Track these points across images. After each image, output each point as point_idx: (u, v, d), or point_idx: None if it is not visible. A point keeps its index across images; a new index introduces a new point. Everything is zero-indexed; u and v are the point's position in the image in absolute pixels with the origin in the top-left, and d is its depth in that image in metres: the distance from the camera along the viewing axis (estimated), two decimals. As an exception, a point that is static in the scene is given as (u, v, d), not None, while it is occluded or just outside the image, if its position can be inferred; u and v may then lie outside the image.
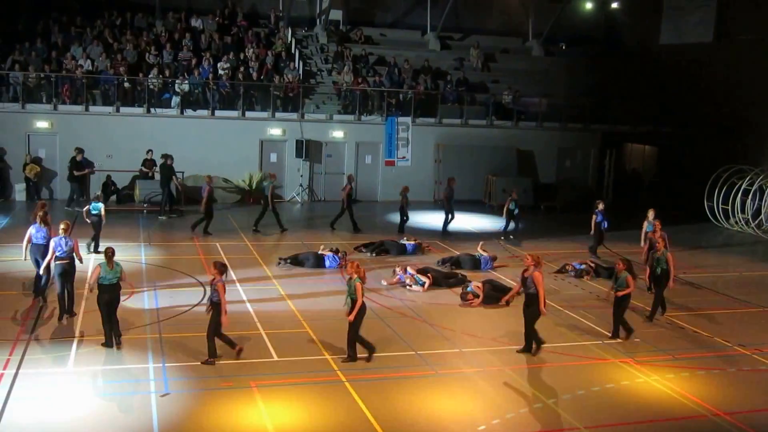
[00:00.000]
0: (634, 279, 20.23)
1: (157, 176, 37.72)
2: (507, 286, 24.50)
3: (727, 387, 18.08)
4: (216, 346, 17.64)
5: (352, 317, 17.69)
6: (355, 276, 17.76)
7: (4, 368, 16.79)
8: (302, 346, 19.07)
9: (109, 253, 18.42)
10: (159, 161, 37.64)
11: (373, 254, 29.45)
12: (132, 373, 17.02)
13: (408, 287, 24.93)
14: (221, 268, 17.61)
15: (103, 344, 18.31)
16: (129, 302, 21.88)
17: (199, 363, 17.50)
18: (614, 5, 51.64)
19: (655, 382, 17.96)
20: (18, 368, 16.80)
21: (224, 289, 17.43)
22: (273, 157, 41.48)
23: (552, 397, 16.84)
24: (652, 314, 22.74)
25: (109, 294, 18.08)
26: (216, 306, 17.39)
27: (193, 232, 31.62)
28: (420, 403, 16.23)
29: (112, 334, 18.26)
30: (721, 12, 46.68)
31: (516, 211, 32.47)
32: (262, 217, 32.83)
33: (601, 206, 29.76)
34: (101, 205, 27.23)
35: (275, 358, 18.27)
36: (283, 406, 15.72)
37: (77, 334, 19.26)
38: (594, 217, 29.67)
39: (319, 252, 27.41)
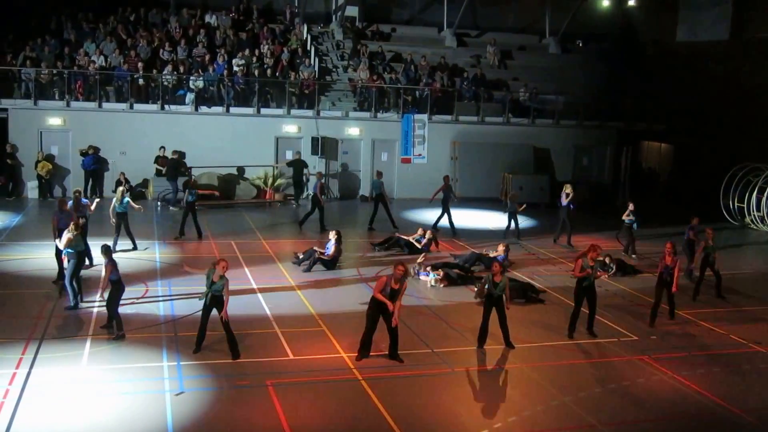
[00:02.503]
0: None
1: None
2: (524, 282, 24.48)
3: (742, 384, 18.09)
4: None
5: (226, 316, 17.49)
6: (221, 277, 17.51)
7: (17, 368, 16.64)
8: (318, 345, 18.94)
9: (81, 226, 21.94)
10: (171, 157, 37.56)
11: (381, 249, 29.34)
12: (146, 372, 16.85)
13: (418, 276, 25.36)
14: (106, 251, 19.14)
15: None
16: (143, 300, 21.82)
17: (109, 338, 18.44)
18: (631, 2, 51.10)
19: (671, 379, 17.93)
20: (31, 367, 16.66)
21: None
22: (288, 155, 41.22)
23: (569, 394, 16.72)
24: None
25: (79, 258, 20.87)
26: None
27: (301, 229, 32.23)
28: (436, 401, 16.14)
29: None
30: (737, 9, 46.30)
31: (634, 226, 30.28)
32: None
33: (695, 221, 27.36)
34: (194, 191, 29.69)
35: (291, 356, 18.12)
36: (299, 404, 15.57)
37: (90, 332, 19.07)
38: (691, 232, 27.32)
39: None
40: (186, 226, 29.74)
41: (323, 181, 33.18)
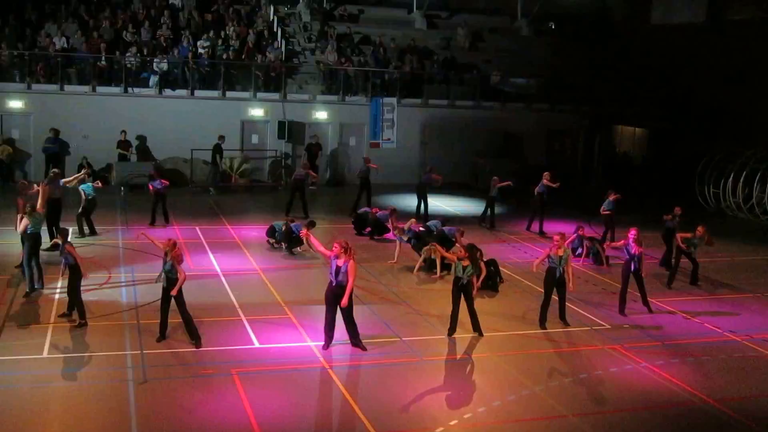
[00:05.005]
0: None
1: (134, 158, 37.24)
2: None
3: (717, 374, 17.92)
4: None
5: (174, 291, 17.13)
6: (171, 256, 17.12)
7: (-24, 356, 16.31)
8: (284, 333, 18.66)
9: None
10: (135, 143, 37.06)
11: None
12: (109, 361, 16.50)
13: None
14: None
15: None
16: (105, 288, 21.45)
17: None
18: (604, -17, 50.89)
19: (643, 368, 17.79)
20: (-10, 355, 16.34)
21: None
22: (254, 139, 40.75)
23: (540, 384, 16.57)
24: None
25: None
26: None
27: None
28: (405, 391, 15.88)
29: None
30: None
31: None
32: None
33: (678, 211, 26.73)
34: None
35: (256, 344, 17.87)
36: (265, 393, 15.30)
37: (52, 320, 18.67)
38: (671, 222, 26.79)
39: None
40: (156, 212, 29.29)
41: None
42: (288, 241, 26.14)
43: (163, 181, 29.14)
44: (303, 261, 25.61)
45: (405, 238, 25.53)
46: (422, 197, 32.64)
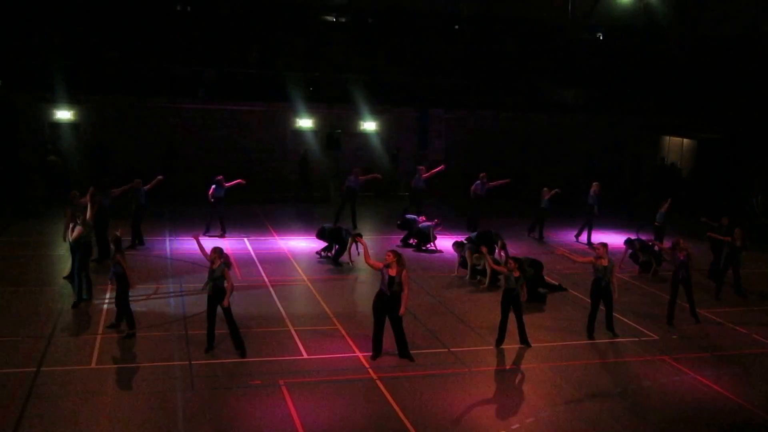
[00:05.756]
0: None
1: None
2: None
3: (765, 384, 17.78)
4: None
5: (226, 302, 17.18)
6: (220, 262, 17.16)
7: (25, 367, 16.39)
8: (332, 343, 18.71)
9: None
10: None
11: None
12: (157, 372, 16.57)
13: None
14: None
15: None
16: (154, 298, 21.64)
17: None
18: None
19: (692, 379, 17.67)
20: (39, 366, 16.44)
21: None
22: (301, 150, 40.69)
23: (588, 395, 16.51)
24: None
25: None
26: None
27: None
28: (453, 402, 15.88)
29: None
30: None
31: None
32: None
33: (725, 221, 26.36)
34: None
35: (304, 355, 17.88)
36: (313, 404, 15.31)
37: (100, 330, 18.82)
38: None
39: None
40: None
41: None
42: (336, 240, 26.25)
43: (239, 182, 29.29)
44: (351, 272, 25.75)
45: (466, 254, 25.52)
46: (475, 209, 32.48)
